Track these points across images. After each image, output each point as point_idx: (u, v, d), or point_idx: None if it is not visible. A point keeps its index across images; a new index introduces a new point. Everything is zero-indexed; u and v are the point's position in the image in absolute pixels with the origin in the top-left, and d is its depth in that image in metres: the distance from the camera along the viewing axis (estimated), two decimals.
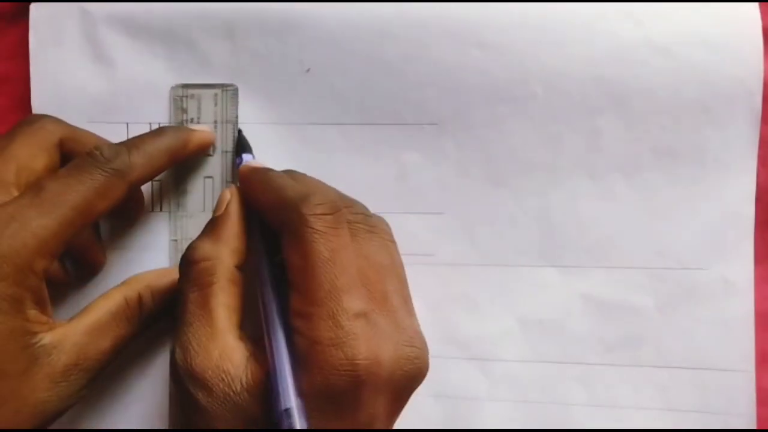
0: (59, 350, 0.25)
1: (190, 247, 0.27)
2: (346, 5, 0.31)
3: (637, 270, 0.32)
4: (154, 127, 0.32)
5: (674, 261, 0.32)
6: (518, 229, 0.32)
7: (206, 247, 0.27)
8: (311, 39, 0.32)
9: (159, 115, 0.32)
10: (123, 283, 0.29)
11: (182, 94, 0.32)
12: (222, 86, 0.32)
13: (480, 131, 0.32)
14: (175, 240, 0.32)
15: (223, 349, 0.25)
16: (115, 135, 0.31)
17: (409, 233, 0.31)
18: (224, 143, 0.32)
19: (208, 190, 0.32)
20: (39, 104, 0.32)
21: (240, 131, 0.32)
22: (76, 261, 0.31)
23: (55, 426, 0.26)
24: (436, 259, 0.31)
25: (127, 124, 0.32)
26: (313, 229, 0.24)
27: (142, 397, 0.31)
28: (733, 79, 0.31)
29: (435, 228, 0.32)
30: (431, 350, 0.26)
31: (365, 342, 0.23)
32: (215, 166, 0.32)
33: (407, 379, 0.24)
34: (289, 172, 0.28)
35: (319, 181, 0.28)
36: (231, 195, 0.28)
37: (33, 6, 0.33)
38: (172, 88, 0.32)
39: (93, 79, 0.32)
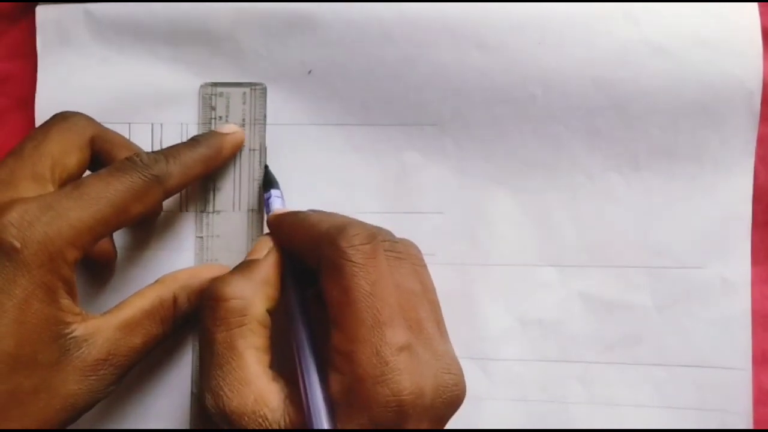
0: (90, 344, 0.25)
1: (220, 282, 0.26)
2: (347, 7, 0.32)
3: (635, 269, 0.32)
4: (156, 127, 0.32)
5: (672, 260, 0.32)
6: (518, 229, 0.32)
7: (239, 285, 0.26)
8: (313, 41, 0.32)
9: (161, 115, 0.32)
10: (157, 282, 0.28)
11: (211, 93, 0.32)
12: (251, 85, 0.32)
13: (480, 132, 0.32)
14: (201, 237, 0.32)
15: (258, 393, 0.24)
16: None
17: (409, 233, 0.31)
18: (252, 142, 0.32)
19: (234, 189, 0.32)
20: (43, 105, 0.32)
21: (266, 166, 0.32)
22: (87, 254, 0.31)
23: (80, 422, 0.26)
24: (436, 259, 0.31)
25: (130, 124, 0.32)
26: (352, 262, 0.24)
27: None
28: (732, 79, 0.31)
29: (435, 228, 0.32)
30: None
31: (409, 375, 0.23)
32: (242, 165, 0.32)
33: (447, 406, 0.24)
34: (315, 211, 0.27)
35: (345, 216, 0.27)
36: (272, 243, 0.28)
37: (39, 8, 0.33)
38: (202, 86, 0.32)
39: (97, 81, 0.32)
